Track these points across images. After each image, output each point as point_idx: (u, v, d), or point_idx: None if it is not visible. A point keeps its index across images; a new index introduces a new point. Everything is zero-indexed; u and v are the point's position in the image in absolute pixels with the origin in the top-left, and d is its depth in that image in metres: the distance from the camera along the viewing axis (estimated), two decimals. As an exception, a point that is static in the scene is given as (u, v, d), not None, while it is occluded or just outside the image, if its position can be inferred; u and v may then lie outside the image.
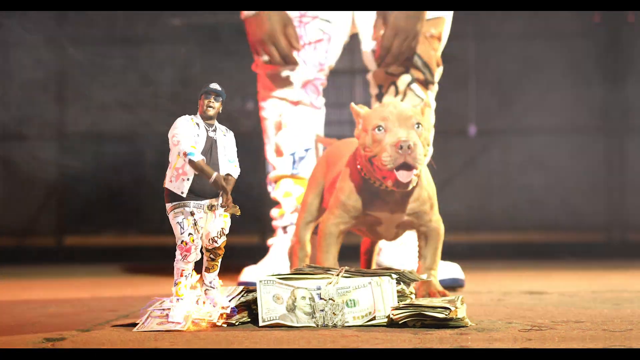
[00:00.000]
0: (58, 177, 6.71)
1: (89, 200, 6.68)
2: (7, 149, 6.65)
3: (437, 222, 3.03)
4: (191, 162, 2.31)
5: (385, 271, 2.48)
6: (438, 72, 3.83)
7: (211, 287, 2.47)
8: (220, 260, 2.46)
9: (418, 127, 2.84)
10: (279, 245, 3.82)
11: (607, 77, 7.26)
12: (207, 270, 2.47)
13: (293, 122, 3.81)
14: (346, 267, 2.51)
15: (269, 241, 3.89)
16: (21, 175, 6.63)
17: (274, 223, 3.89)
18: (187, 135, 2.33)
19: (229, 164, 2.40)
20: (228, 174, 2.39)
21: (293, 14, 3.78)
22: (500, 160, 7.17)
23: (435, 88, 3.84)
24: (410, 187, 2.85)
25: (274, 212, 3.89)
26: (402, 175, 2.82)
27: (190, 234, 2.35)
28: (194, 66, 6.56)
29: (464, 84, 7.05)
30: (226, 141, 2.41)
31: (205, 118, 2.38)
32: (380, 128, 2.85)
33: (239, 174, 2.42)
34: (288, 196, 3.82)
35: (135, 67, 6.53)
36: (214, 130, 2.39)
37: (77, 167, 6.69)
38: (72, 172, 6.71)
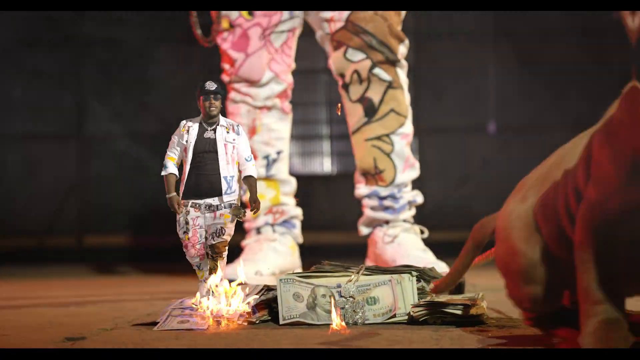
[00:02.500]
0: (78, 177, 6.73)
1: (109, 201, 6.69)
2: (28, 148, 6.66)
3: None
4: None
5: (406, 268, 2.48)
6: (402, 47, 3.65)
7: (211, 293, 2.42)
8: (221, 262, 2.44)
9: None
10: (254, 245, 3.80)
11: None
12: (209, 271, 2.45)
13: (267, 126, 3.83)
14: (366, 265, 2.50)
15: (243, 242, 3.86)
16: (41, 175, 6.64)
17: (246, 225, 3.88)
18: (173, 144, 2.44)
19: (246, 163, 2.42)
20: (249, 176, 2.41)
21: (257, 33, 3.75)
22: (521, 158, 7.12)
23: (403, 64, 3.66)
24: None
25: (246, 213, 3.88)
26: None
27: (184, 231, 2.42)
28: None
29: (484, 76, 6.98)
30: (233, 139, 2.42)
31: (209, 118, 2.42)
32: None
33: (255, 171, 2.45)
34: (262, 198, 3.79)
35: (149, 70, 6.54)
36: (214, 130, 2.41)
37: (97, 167, 6.70)
38: (92, 172, 6.72)
